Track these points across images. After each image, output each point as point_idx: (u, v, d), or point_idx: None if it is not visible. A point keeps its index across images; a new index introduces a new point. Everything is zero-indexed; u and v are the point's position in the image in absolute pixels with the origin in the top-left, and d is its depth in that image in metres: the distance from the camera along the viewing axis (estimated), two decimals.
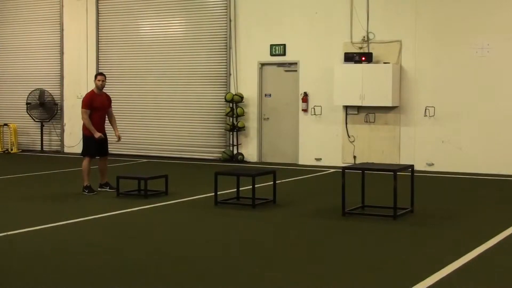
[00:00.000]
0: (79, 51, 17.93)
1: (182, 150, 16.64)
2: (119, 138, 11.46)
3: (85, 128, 11.02)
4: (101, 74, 11.31)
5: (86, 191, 10.89)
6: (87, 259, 6.79)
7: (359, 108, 14.60)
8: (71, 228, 8.36)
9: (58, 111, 18.23)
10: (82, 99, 11.20)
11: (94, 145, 10.93)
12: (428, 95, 14.00)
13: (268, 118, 15.74)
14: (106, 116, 11.28)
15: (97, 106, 10.98)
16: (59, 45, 18.23)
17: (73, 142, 18.05)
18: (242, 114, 15.68)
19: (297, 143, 15.33)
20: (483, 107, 13.58)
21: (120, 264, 6.62)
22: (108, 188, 11.15)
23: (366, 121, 14.59)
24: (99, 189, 11.15)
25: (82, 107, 10.97)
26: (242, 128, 15.74)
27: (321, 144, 15.04)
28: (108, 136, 11.28)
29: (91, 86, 17.81)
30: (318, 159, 15.07)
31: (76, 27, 17.93)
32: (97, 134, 10.83)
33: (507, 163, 13.38)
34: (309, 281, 6.03)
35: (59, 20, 18.20)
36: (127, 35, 17.36)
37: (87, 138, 11.01)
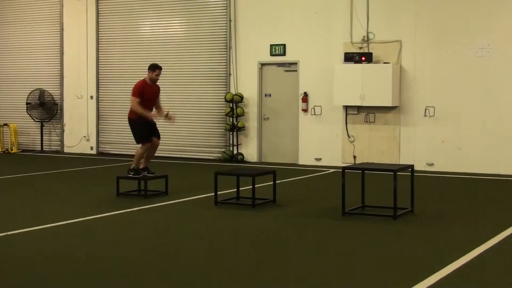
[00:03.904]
0: (79, 51, 17.93)
1: (182, 150, 16.64)
2: (168, 116, 10.89)
3: (131, 112, 10.66)
4: (161, 68, 10.77)
5: (132, 173, 10.69)
6: (86, 259, 6.80)
7: (359, 108, 14.60)
8: (71, 228, 8.36)
9: (58, 111, 18.23)
10: (133, 87, 10.70)
11: (146, 128, 10.60)
12: (428, 95, 14.01)
13: (268, 118, 15.74)
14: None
15: (148, 97, 10.59)
16: (59, 45, 18.23)
17: (73, 142, 18.07)
18: (242, 114, 15.68)
19: (297, 143, 15.33)
20: (483, 107, 13.58)
21: (120, 264, 6.62)
22: (146, 173, 10.79)
23: (366, 121, 14.59)
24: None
25: (133, 95, 10.51)
26: (242, 128, 15.74)
27: (321, 144, 15.05)
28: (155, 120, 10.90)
29: (91, 86, 18.02)
30: (318, 159, 15.07)
31: (76, 27, 17.93)
32: (151, 116, 10.57)
33: (507, 163, 13.39)
34: (309, 281, 6.03)
35: (59, 20, 18.20)
36: (127, 35, 17.36)
37: (135, 123, 10.63)
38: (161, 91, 16.74)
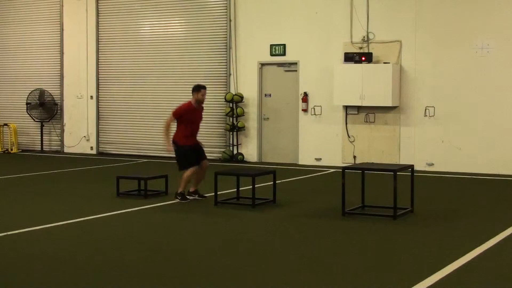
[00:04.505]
0: (79, 51, 17.93)
1: None
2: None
3: (178, 137, 10.17)
4: (205, 87, 10.33)
5: (179, 198, 10.12)
6: (86, 259, 6.79)
7: (359, 108, 14.60)
8: (71, 228, 8.36)
9: (58, 111, 18.23)
10: (176, 108, 10.30)
11: (191, 153, 10.15)
12: (428, 95, 14.01)
13: (268, 118, 15.74)
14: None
15: (192, 119, 10.17)
16: (59, 45, 18.23)
17: (73, 142, 18.07)
18: (242, 114, 15.68)
19: (297, 143, 15.33)
20: (483, 107, 13.58)
21: (120, 264, 6.62)
22: (197, 196, 10.31)
23: (366, 121, 14.59)
24: (187, 197, 10.24)
25: (172, 113, 10.22)
26: (242, 128, 15.74)
27: (321, 144, 15.05)
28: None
29: (91, 86, 18.02)
30: (318, 159, 15.07)
31: (76, 27, 17.93)
32: (168, 147, 10.13)
33: (507, 163, 13.39)
34: (309, 281, 6.03)
35: (59, 20, 18.20)
36: (127, 35, 17.36)
37: (180, 148, 10.14)
38: (162, 91, 16.96)
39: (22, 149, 18.57)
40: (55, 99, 18.20)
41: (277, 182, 10.25)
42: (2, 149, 18.52)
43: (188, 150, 10.15)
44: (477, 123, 13.64)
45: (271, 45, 15.54)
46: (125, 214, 9.28)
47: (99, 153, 17.73)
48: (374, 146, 14.54)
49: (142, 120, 17.20)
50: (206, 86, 16.06)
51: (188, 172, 10.11)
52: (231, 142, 15.93)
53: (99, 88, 17.76)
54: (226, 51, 16.05)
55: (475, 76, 13.61)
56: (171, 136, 10.30)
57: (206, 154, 16.38)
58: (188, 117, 10.15)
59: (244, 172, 10.47)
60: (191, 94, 10.36)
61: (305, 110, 15.18)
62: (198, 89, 10.25)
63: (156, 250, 7.16)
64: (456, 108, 13.80)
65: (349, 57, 14.38)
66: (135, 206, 9.76)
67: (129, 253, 7.07)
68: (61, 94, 18.25)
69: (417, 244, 7.46)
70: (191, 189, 10.35)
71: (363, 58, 14.27)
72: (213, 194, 9.87)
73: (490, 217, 9.11)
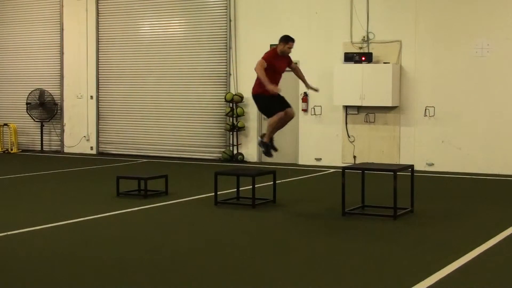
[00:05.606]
0: (79, 51, 17.93)
1: (182, 150, 16.65)
2: (316, 89, 10.00)
3: (256, 86, 9.42)
4: (294, 40, 9.44)
5: (263, 148, 9.59)
6: (86, 259, 6.79)
7: (359, 108, 14.60)
8: (71, 228, 8.36)
9: (58, 111, 18.23)
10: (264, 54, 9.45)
11: (274, 99, 9.37)
12: (428, 95, 14.01)
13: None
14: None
15: (274, 67, 9.30)
16: (59, 45, 18.23)
17: (73, 142, 18.06)
18: (242, 114, 15.68)
19: (297, 143, 15.33)
20: (483, 107, 13.58)
21: (119, 264, 6.62)
22: (272, 149, 9.69)
23: (366, 121, 14.59)
24: (271, 151, 9.65)
25: (262, 57, 9.26)
26: (242, 128, 15.74)
27: (321, 144, 15.05)
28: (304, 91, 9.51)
29: (91, 86, 18.03)
30: (318, 159, 15.07)
31: (76, 27, 17.93)
32: (272, 87, 9.10)
33: (507, 163, 13.39)
34: (309, 281, 6.03)
35: (59, 20, 18.20)
36: (127, 35, 17.36)
37: (261, 97, 9.44)
38: (162, 91, 16.96)
39: (22, 149, 18.57)
40: (55, 99, 18.21)
41: (277, 182, 10.25)
42: (2, 149, 18.52)
43: (265, 98, 9.38)
44: (477, 123, 13.64)
45: (271, 45, 15.49)
46: (125, 214, 9.28)
47: (99, 153, 17.73)
48: (374, 146, 14.54)
49: (142, 120, 17.20)
50: (206, 86, 16.41)
51: (274, 118, 9.40)
52: (231, 142, 15.94)
53: (99, 88, 17.76)
54: (226, 51, 16.05)
55: (475, 76, 13.61)
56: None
57: (206, 154, 16.54)
58: (271, 63, 9.29)
59: (244, 172, 10.46)
60: (278, 43, 9.55)
61: (305, 110, 15.18)
62: (286, 40, 9.42)
63: (156, 250, 7.15)
64: (456, 108, 13.80)
65: (349, 57, 14.38)
66: (135, 206, 9.76)
67: (129, 253, 7.07)
68: (61, 94, 18.26)
69: (417, 244, 7.46)
70: (265, 139, 9.64)
71: (363, 58, 14.27)
72: (213, 194, 9.87)
73: (490, 217, 9.11)
